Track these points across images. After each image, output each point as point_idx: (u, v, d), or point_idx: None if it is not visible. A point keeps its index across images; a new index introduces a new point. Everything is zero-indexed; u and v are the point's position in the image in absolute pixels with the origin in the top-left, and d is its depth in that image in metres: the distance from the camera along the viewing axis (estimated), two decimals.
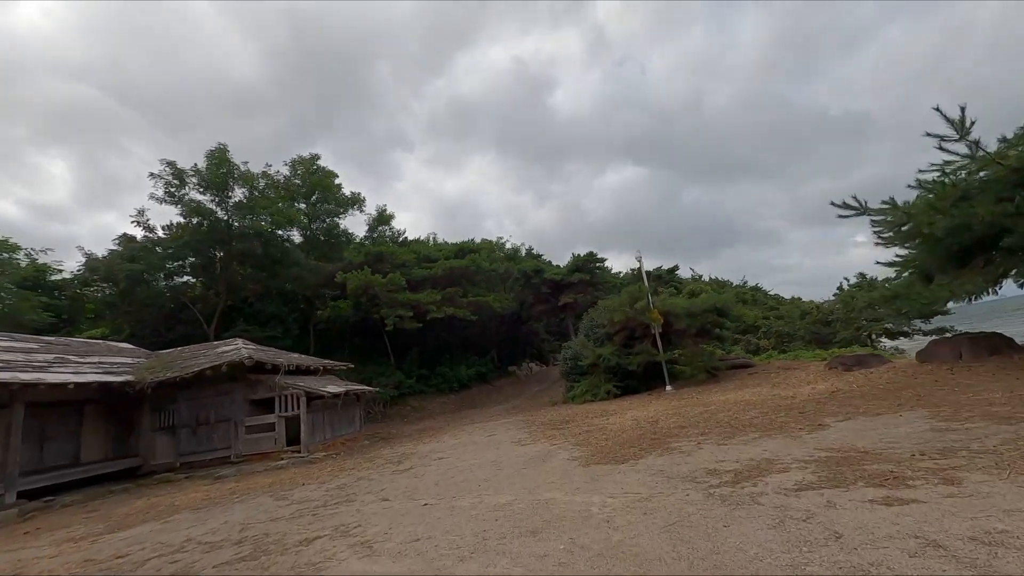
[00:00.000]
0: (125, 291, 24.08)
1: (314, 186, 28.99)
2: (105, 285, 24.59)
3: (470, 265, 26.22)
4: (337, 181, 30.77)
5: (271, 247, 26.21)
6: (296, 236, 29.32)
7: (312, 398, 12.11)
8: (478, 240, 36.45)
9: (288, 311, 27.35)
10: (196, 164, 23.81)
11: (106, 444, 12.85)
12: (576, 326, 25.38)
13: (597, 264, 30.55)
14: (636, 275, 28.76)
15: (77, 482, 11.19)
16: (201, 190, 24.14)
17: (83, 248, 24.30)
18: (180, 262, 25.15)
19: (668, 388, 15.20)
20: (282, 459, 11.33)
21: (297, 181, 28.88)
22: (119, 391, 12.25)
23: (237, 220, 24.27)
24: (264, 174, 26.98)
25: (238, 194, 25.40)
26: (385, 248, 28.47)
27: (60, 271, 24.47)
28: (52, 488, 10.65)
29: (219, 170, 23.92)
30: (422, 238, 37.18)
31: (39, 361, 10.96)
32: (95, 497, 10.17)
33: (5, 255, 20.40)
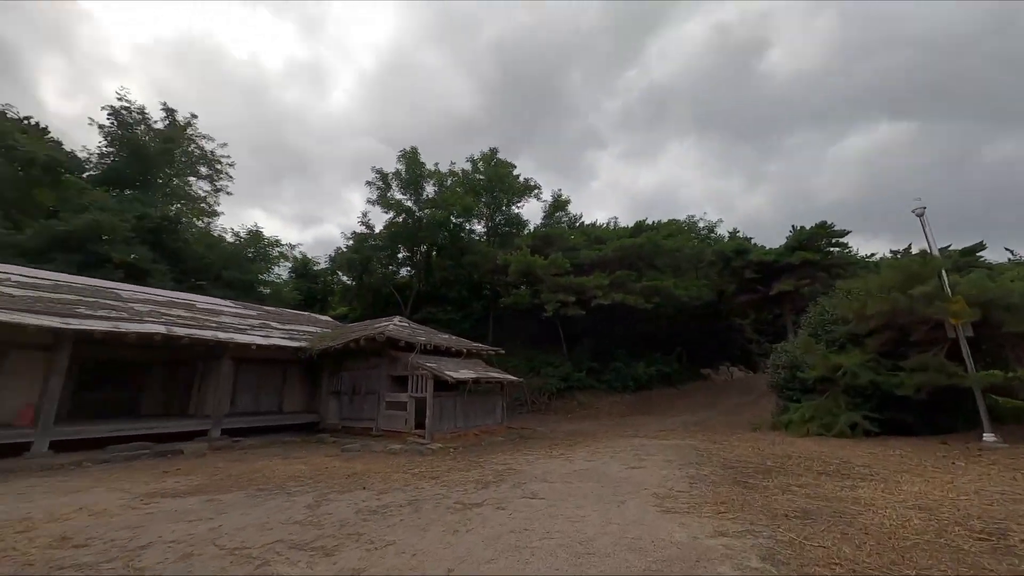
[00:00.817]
0: (355, 278, 29.33)
1: (492, 179, 29.51)
2: (343, 274, 30.52)
3: (645, 244, 21.84)
4: (515, 172, 30.72)
5: (456, 237, 27.73)
6: (479, 227, 30.59)
7: (439, 382, 10.92)
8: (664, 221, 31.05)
9: (471, 297, 28.58)
10: (397, 169, 26.92)
11: (301, 400, 14.72)
12: (797, 323, 18.20)
13: (833, 239, 21.61)
14: (906, 253, 18.86)
15: (275, 427, 12.92)
16: (401, 190, 27.24)
17: (339, 247, 30.66)
18: (388, 253, 29.02)
19: (988, 437, 8.51)
20: (406, 442, 10.45)
21: (479, 176, 29.93)
22: (309, 357, 13.77)
23: (427, 214, 26.43)
24: (450, 172, 28.83)
25: (429, 190, 27.72)
26: (553, 231, 26.68)
27: (318, 263, 31.53)
28: (261, 429, 12.46)
29: (413, 171, 26.46)
30: (599, 222, 34.10)
31: (246, 326, 12.99)
32: (269, 444, 11.24)
33: (273, 250, 26.99)
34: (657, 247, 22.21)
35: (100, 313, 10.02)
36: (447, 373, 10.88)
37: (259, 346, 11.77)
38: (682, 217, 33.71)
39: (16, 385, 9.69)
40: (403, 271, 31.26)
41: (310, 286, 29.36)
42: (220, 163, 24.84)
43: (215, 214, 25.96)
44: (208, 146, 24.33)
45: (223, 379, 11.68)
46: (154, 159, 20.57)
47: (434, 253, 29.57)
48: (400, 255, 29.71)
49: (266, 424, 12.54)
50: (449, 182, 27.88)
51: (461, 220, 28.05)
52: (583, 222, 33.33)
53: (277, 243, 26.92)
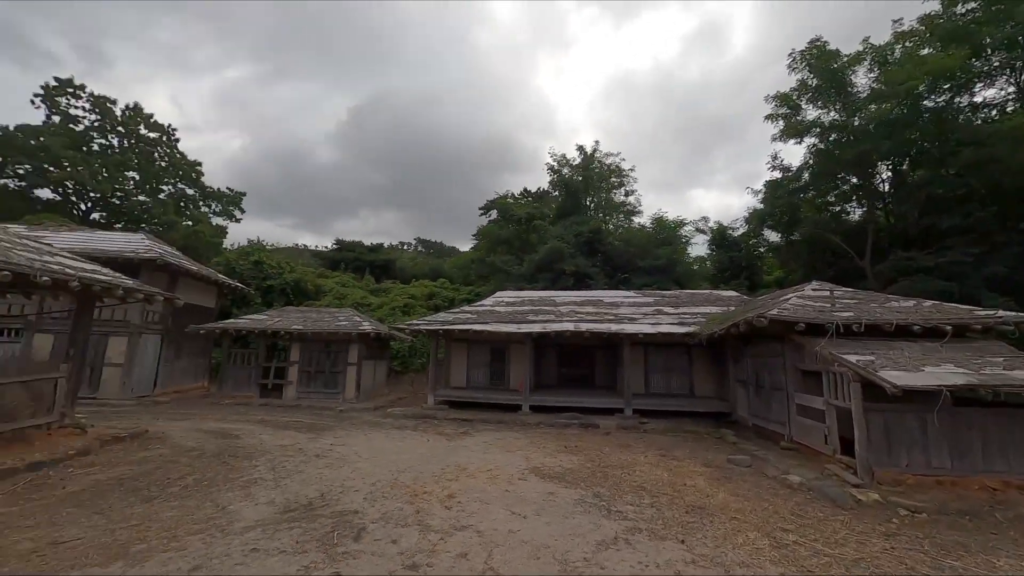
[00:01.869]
0: (782, 235, 24.30)
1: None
2: (767, 233, 25.90)
3: None
4: None
5: (941, 127, 16.82)
6: (993, 91, 17.12)
7: (871, 387, 6.65)
8: None
9: (993, 220, 16.19)
10: (801, 80, 19.95)
11: (710, 385, 13.56)
12: None
13: None
14: None
15: (684, 413, 12.57)
16: (815, 103, 19.96)
17: (751, 208, 26.77)
18: (818, 192, 21.85)
19: None
20: (822, 471, 7.07)
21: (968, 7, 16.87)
22: (699, 343, 12.53)
23: (871, 114, 17.68)
24: (896, 35, 17.98)
25: (860, 82, 18.69)
26: None
27: (735, 229, 28.48)
28: (669, 413, 12.61)
29: (826, 69, 18.74)
30: None
31: (639, 315, 13.47)
32: (670, 430, 10.92)
33: (679, 230, 26.52)
34: None
35: (540, 318, 13.56)
36: (884, 373, 6.47)
37: (645, 334, 11.88)
38: None
39: (516, 367, 14.77)
40: (853, 210, 22.58)
41: (731, 255, 27.04)
42: (624, 172, 28.07)
43: (634, 212, 29.43)
44: (608, 160, 28.24)
45: (629, 364, 12.65)
46: (578, 185, 26.25)
47: (903, 165, 19.34)
48: (840, 190, 21.63)
49: (675, 408, 12.39)
50: (897, 52, 17.47)
51: (941, 96, 16.72)
52: None
53: (681, 224, 26.86)
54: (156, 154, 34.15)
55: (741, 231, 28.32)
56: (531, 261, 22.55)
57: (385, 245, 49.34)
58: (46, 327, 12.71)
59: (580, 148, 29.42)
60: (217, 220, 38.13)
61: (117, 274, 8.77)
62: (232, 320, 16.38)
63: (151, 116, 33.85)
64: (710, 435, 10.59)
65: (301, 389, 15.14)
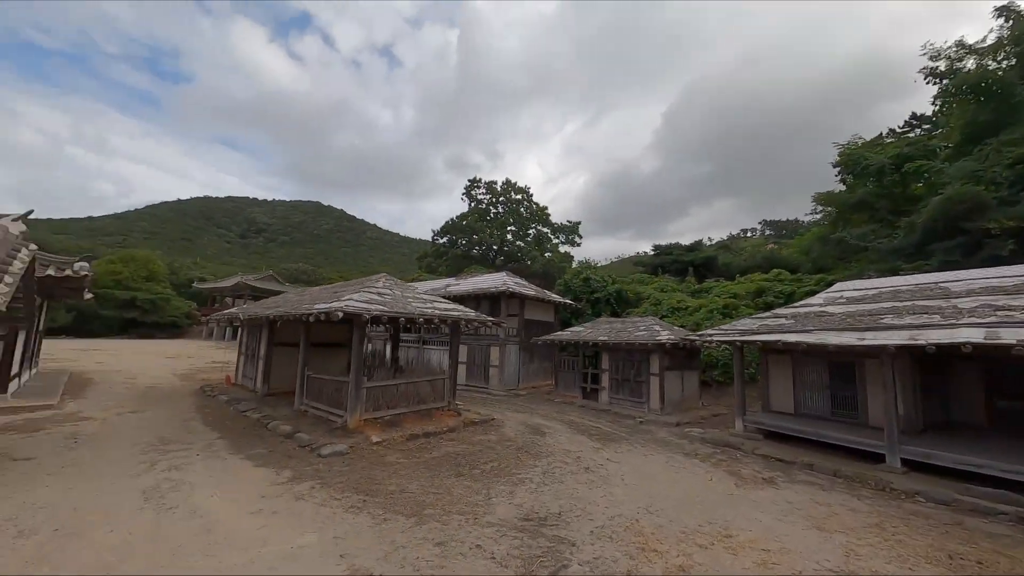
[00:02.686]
0: None
1: None
2: None
3: None
4: None
5: None
6: None
7: None
8: None
9: None
10: None
11: None
12: None
13: None
14: None
15: None
16: None
17: None
18: None
19: None
20: None
21: None
22: None
23: None
24: None
25: None
26: None
27: None
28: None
29: None
30: None
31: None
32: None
33: None
34: None
35: (905, 321, 8.54)
36: None
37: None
38: None
39: (877, 393, 9.86)
40: None
41: None
42: None
43: None
44: None
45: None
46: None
47: None
48: None
49: None
50: None
51: None
52: None
53: None
54: (522, 208, 46.52)
55: None
56: (911, 227, 14.34)
57: (711, 240, 45.53)
58: (434, 344, 19.82)
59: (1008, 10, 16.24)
60: (565, 248, 47.28)
61: (466, 309, 12.56)
62: (558, 333, 19.72)
63: (516, 183, 46.63)
64: None
65: (612, 395, 16.16)
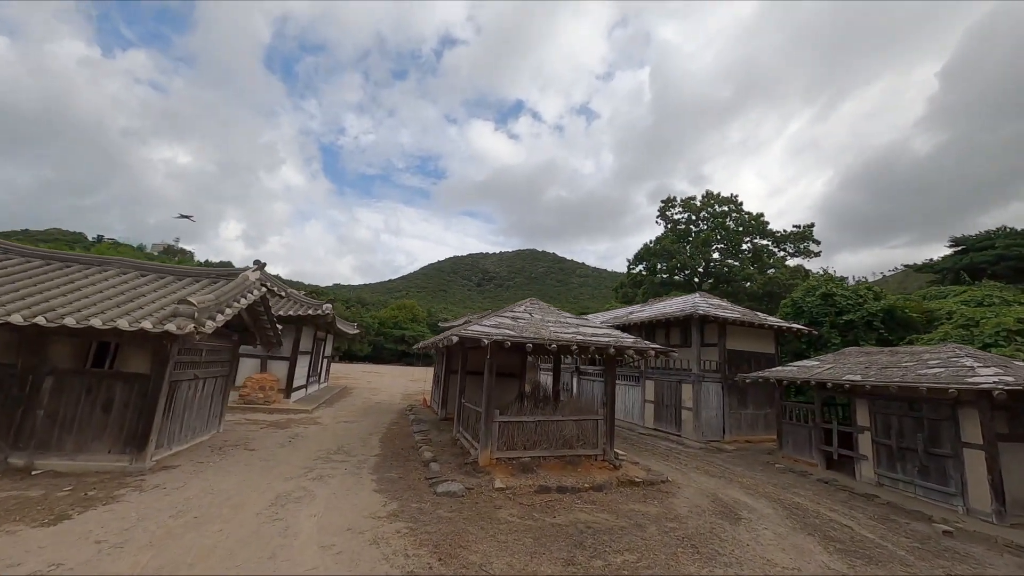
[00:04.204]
0: None
1: None
2: None
3: None
4: None
5: None
6: None
7: None
8: None
9: None
10: None
11: None
12: None
13: None
14: None
15: None
16: None
17: None
18: None
19: None
20: None
21: None
22: None
23: None
24: None
25: None
26: None
27: None
28: None
29: None
30: None
31: None
32: None
33: None
34: None
35: None
36: None
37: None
38: None
39: None
40: None
41: None
42: None
43: None
44: None
45: None
46: None
47: None
48: None
49: None
50: None
51: None
52: None
53: None
54: (729, 221, 38.83)
55: None
56: None
57: None
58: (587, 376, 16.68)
59: None
60: (796, 260, 36.67)
61: (623, 335, 10.11)
62: (778, 368, 14.12)
63: (719, 193, 39.54)
64: None
65: (881, 471, 10.03)
